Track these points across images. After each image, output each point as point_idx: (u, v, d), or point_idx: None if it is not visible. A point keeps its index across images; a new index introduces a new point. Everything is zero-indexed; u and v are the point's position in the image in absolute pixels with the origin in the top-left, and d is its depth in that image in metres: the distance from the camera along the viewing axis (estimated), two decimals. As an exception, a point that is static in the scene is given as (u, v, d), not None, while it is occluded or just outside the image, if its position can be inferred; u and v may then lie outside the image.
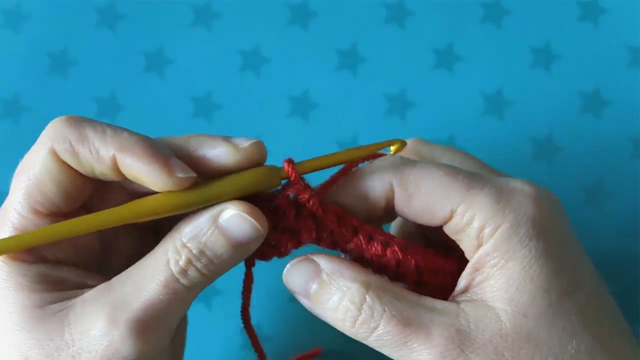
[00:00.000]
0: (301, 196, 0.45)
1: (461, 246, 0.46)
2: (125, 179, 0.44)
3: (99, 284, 0.45)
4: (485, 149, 0.69)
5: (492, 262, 0.43)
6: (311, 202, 0.45)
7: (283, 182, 0.46)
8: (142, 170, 0.42)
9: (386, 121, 0.70)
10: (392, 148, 0.47)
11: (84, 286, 0.45)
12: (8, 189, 0.46)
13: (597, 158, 0.68)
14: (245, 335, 0.64)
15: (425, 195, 0.45)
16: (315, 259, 0.46)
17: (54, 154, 0.43)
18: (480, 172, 0.48)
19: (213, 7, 0.72)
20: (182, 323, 0.54)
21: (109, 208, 0.44)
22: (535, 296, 0.43)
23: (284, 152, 0.67)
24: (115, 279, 0.44)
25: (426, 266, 0.46)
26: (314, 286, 0.45)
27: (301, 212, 0.46)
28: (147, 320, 0.43)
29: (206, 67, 0.71)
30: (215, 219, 0.43)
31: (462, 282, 0.45)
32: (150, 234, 0.51)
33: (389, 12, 0.72)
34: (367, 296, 0.44)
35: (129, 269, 0.44)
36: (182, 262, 0.43)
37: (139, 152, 0.42)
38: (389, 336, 0.43)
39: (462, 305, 0.44)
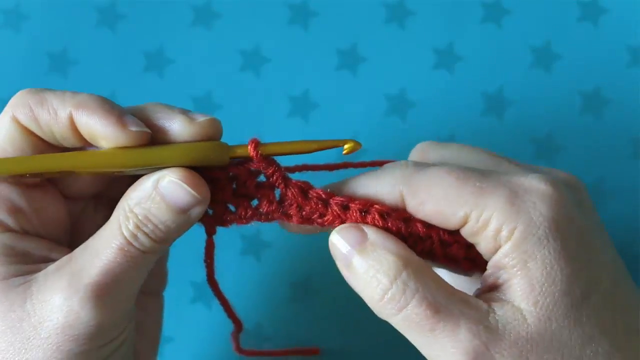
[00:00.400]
0: (265, 170, 0.47)
1: (478, 248, 0.46)
2: (85, 142, 0.45)
3: (56, 258, 0.46)
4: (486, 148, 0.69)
5: (512, 262, 0.43)
6: (274, 176, 0.46)
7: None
8: (96, 124, 0.44)
9: (386, 121, 0.70)
10: (346, 147, 0.47)
11: (49, 260, 0.46)
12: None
13: (597, 158, 0.68)
14: (245, 335, 0.64)
15: (436, 202, 0.45)
16: (364, 227, 0.45)
17: (16, 121, 0.45)
18: (493, 167, 0.48)
19: (213, 7, 0.72)
20: (154, 320, 0.54)
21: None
22: (557, 299, 0.42)
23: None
24: (76, 250, 0.45)
25: (409, 232, 0.46)
26: (356, 255, 0.45)
27: (263, 183, 0.47)
28: (105, 284, 0.44)
29: (206, 67, 0.71)
30: (155, 185, 0.44)
31: (486, 281, 0.45)
32: None
33: (389, 12, 0.72)
34: (404, 272, 0.43)
35: (89, 239, 0.46)
36: (131, 227, 0.44)
37: (94, 107, 0.44)
38: (418, 319, 0.43)
39: (492, 304, 0.43)
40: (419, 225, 0.46)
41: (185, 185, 0.44)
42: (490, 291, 0.45)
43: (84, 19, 0.71)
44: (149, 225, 0.44)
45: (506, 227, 0.43)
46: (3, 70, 0.70)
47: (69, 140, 0.46)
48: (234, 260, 0.65)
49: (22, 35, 0.71)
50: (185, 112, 0.46)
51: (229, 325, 0.62)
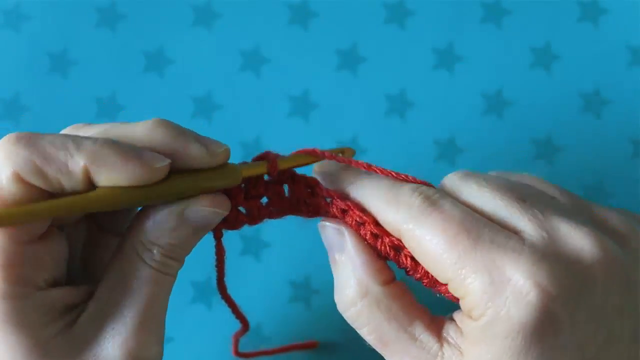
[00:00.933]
0: (271, 170, 0.48)
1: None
2: (94, 187, 0.43)
3: (87, 299, 0.45)
4: (485, 149, 0.69)
5: (471, 336, 0.43)
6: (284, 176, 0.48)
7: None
8: (120, 174, 0.42)
9: (386, 121, 0.70)
10: (343, 154, 0.48)
11: (70, 307, 0.45)
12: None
13: (597, 158, 0.68)
14: (245, 335, 0.64)
15: (423, 256, 0.44)
16: (345, 233, 0.47)
17: (17, 177, 0.41)
18: (508, 216, 0.45)
19: (213, 7, 0.72)
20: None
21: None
22: None
23: (284, 152, 0.67)
24: (101, 291, 0.45)
25: (397, 260, 0.46)
26: (337, 255, 0.47)
27: (272, 182, 0.48)
28: (150, 317, 0.45)
29: (206, 67, 0.71)
30: (179, 216, 0.44)
31: (457, 315, 0.45)
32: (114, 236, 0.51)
33: (389, 12, 0.72)
34: (359, 303, 0.46)
35: (100, 285, 0.45)
36: (158, 257, 0.44)
37: (112, 159, 0.42)
38: (370, 342, 0.46)
39: (444, 349, 0.44)
40: (408, 259, 0.46)
41: (214, 209, 0.45)
42: (454, 324, 0.45)
43: (84, 19, 0.71)
44: (176, 250, 0.45)
45: (477, 310, 0.42)
46: (3, 70, 0.70)
47: (79, 189, 0.43)
48: (233, 260, 0.65)
49: (22, 35, 0.71)
50: (199, 138, 0.45)
51: (229, 325, 0.62)
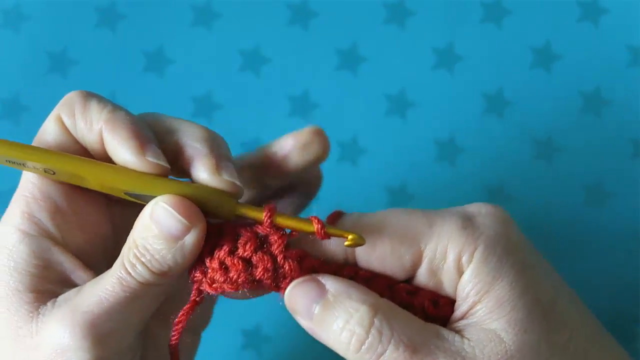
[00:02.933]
0: (270, 237, 0.44)
1: (442, 287, 0.45)
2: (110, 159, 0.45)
3: (81, 284, 0.45)
4: (485, 149, 0.69)
5: (477, 287, 0.43)
6: (277, 244, 0.44)
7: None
8: (116, 145, 0.44)
9: (386, 121, 0.70)
10: (350, 237, 0.44)
11: (67, 282, 0.46)
12: (9, 188, 0.46)
13: (597, 158, 0.68)
14: (245, 335, 0.64)
15: (389, 240, 0.44)
16: (320, 279, 0.44)
17: (60, 121, 0.46)
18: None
19: (213, 7, 0.72)
20: (186, 357, 0.53)
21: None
22: (529, 310, 0.42)
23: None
24: (88, 282, 0.45)
25: (394, 298, 0.45)
26: (318, 308, 0.44)
27: (264, 249, 0.45)
28: (100, 315, 0.43)
29: (206, 67, 0.71)
30: (151, 213, 0.44)
31: (457, 312, 0.45)
32: None
33: (389, 12, 0.72)
34: (375, 319, 0.42)
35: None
36: (131, 258, 0.44)
37: (120, 128, 0.44)
38: (399, 358, 0.42)
39: (464, 333, 0.43)
40: (403, 293, 0.45)
41: (174, 211, 0.43)
42: (462, 318, 0.44)
43: (84, 19, 0.71)
44: (146, 256, 0.43)
45: (466, 251, 0.43)
46: (3, 70, 0.70)
47: (99, 154, 0.46)
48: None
49: (22, 35, 0.71)
50: (220, 161, 0.45)
51: (229, 326, 0.62)
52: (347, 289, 0.43)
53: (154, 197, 0.44)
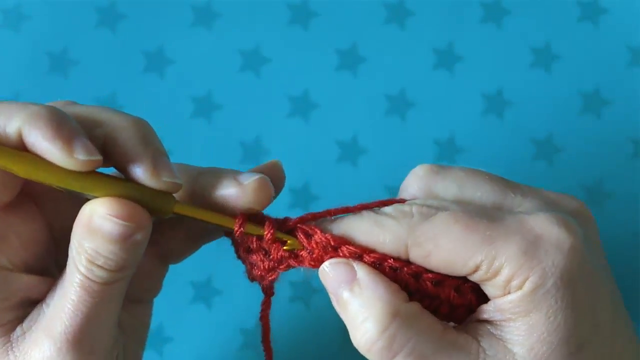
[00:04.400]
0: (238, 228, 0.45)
1: (484, 290, 0.44)
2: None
3: (45, 295, 0.44)
4: (485, 149, 0.69)
5: (517, 309, 0.42)
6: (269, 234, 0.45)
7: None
8: (41, 145, 0.41)
9: (386, 121, 0.70)
10: (288, 243, 0.46)
11: (30, 301, 0.45)
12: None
13: (597, 158, 0.68)
14: (245, 335, 0.64)
15: (444, 253, 0.43)
16: (355, 265, 0.44)
17: None
18: (500, 199, 0.46)
19: (213, 7, 0.72)
20: (140, 326, 0.52)
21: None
22: (555, 347, 0.42)
23: (284, 152, 0.67)
24: (48, 295, 0.44)
25: (417, 289, 0.45)
26: (346, 293, 0.44)
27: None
28: (78, 327, 0.42)
29: (206, 67, 0.71)
30: (89, 220, 0.42)
31: (483, 315, 0.44)
32: None
33: (389, 12, 0.72)
34: (393, 323, 0.42)
35: (59, 280, 0.44)
36: (84, 262, 0.42)
37: (43, 126, 0.41)
38: None
39: (482, 343, 0.43)
40: (428, 284, 0.44)
41: (116, 219, 0.41)
42: (486, 323, 0.44)
43: (84, 19, 0.71)
44: (100, 259, 0.42)
45: (518, 277, 0.42)
46: (3, 70, 0.70)
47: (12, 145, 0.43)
48: (233, 261, 0.65)
49: (22, 35, 0.71)
50: (156, 159, 0.43)
51: (229, 326, 0.62)
52: (375, 283, 0.43)
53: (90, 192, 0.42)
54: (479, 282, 0.44)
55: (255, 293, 0.67)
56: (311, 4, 0.72)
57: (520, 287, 0.42)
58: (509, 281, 0.42)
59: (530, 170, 0.68)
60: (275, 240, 0.46)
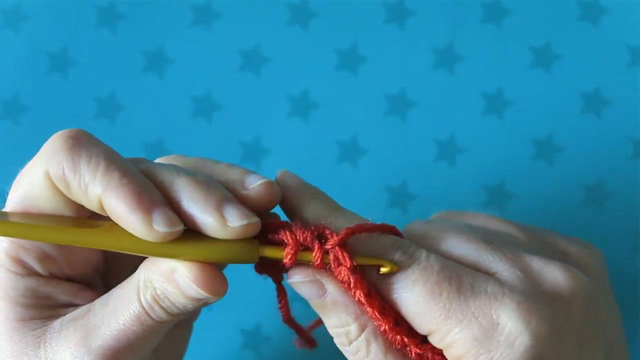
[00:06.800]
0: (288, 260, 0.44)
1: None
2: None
3: (85, 304, 0.45)
4: (485, 149, 0.69)
5: None
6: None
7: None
8: (121, 216, 0.41)
9: (386, 121, 0.70)
10: (383, 269, 0.44)
11: (71, 305, 0.45)
12: (8, 189, 0.46)
13: (597, 158, 0.68)
14: (245, 335, 0.64)
15: (406, 308, 0.44)
16: (324, 282, 0.45)
17: (48, 177, 0.42)
18: (478, 260, 0.46)
19: (213, 7, 0.72)
20: (178, 348, 0.53)
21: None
22: None
23: (284, 152, 0.67)
24: (96, 302, 0.44)
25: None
26: (317, 302, 0.45)
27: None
28: (117, 350, 0.43)
29: (206, 67, 0.71)
30: (171, 272, 0.42)
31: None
32: None
33: (389, 12, 0.71)
34: (360, 337, 0.44)
35: (111, 291, 0.44)
36: (149, 298, 0.43)
37: (124, 197, 0.41)
38: None
39: None
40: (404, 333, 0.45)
41: (195, 286, 0.41)
42: None
43: (84, 19, 0.71)
44: (166, 302, 0.43)
45: (467, 358, 0.43)
46: (3, 70, 0.70)
47: (97, 212, 0.43)
48: (234, 260, 0.65)
49: (22, 35, 0.71)
50: (221, 206, 0.42)
51: (229, 326, 0.62)
52: (345, 301, 0.44)
53: None
54: (436, 347, 0.45)
55: (255, 293, 0.67)
56: (311, 4, 0.72)
57: None
58: (459, 358, 0.43)
59: (530, 170, 0.68)
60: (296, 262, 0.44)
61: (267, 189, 0.44)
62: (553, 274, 0.45)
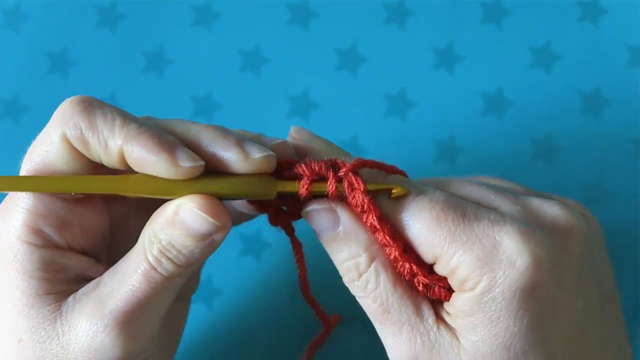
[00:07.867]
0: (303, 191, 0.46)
1: (449, 280, 0.47)
2: (131, 169, 0.45)
3: (96, 277, 0.46)
4: (485, 148, 0.69)
5: (465, 308, 0.45)
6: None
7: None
8: (147, 160, 0.43)
9: (386, 121, 0.70)
10: (394, 191, 0.47)
11: (85, 278, 0.46)
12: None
13: (597, 158, 0.68)
14: (245, 335, 0.64)
15: (414, 236, 0.46)
16: (338, 211, 0.47)
17: (66, 140, 0.44)
18: (483, 198, 0.48)
19: (213, 7, 0.72)
20: (178, 323, 0.54)
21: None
22: (494, 351, 0.44)
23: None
24: (105, 274, 0.46)
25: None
26: (330, 234, 0.47)
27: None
28: (130, 312, 0.44)
29: (206, 67, 0.71)
30: (175, 212, 0.44)
31: (446, 304, 0.47)
32: None
33: (389, 12, 0.72)
34: (369, 270, 0.46)
35: (118, 262, 0.46)
36: (155, 252, 0.44)
37: (145, 142, 0.43)
38: (370, 310, 0.47)
39: (441, 325, 0.46)
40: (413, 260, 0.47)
41: (203, 214, 0.43)
42: (450, 305, 0.46)
43: (84, 19, 0.71)
44: (172, 251, 0.44)
45: (471, 280, 0.44)
46: (3, 70, 0.70)
47: (116, 167, 0.45)
48: (233, 261, 0.65)
49: (22, 35, 0.71)
50: (240, 143, 0.45)
51: (229, 325, 0.62)
52: (357, 230, 0.46)
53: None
54: (441, 274, 0.46)
55: (255, 293, 0.67)
56: (311, 4, 0.72)
57: (472, 289, 0.44)
58: (463, 281, 0.45)
59: (530, 170, 0.68)
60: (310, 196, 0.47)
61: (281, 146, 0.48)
62: (552, 209, 0.47)
